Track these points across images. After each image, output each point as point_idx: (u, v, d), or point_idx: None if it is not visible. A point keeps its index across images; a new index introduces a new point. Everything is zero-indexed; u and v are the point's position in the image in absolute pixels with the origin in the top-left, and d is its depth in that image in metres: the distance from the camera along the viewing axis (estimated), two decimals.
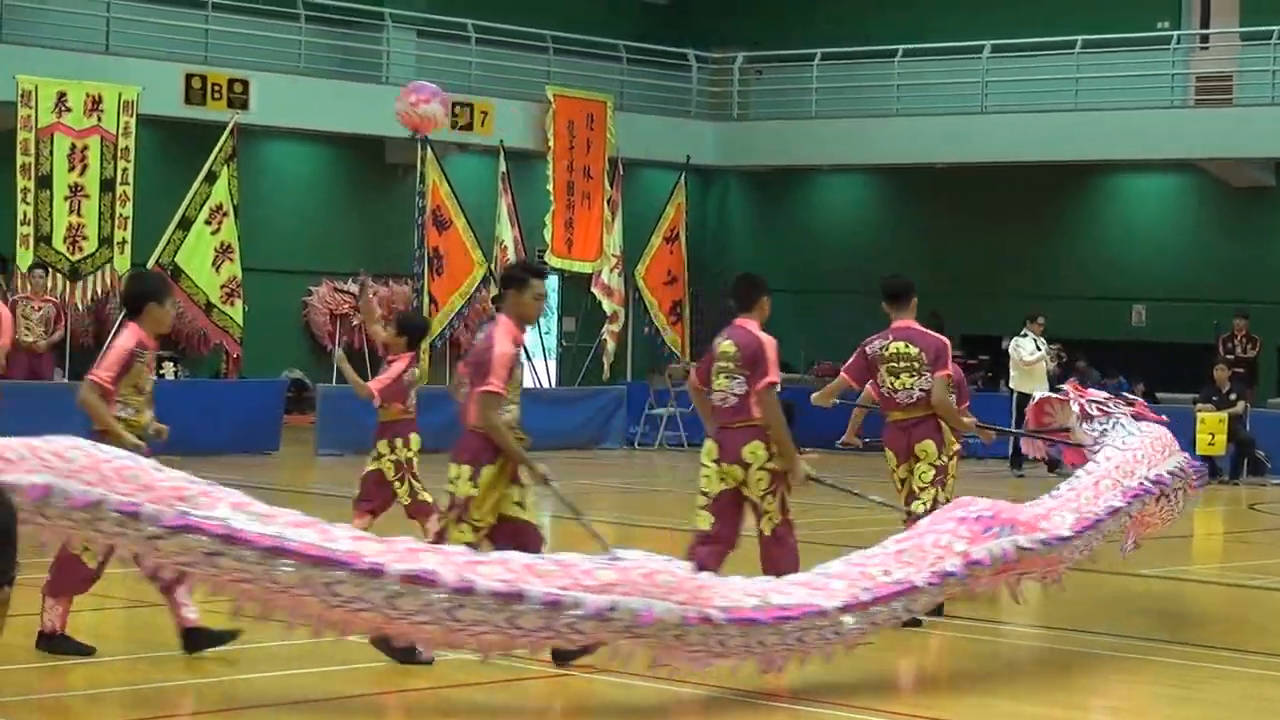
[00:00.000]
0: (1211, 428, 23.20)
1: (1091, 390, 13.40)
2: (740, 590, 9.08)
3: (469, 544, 9.55)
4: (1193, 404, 24.09)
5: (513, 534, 9.75)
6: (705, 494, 10.84)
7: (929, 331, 12.27)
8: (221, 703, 9.42)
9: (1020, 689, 10.15)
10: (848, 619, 9.27)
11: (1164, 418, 12.62)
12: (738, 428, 10.74)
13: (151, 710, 8.98)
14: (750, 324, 10.93)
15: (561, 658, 9.71)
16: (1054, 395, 13.19)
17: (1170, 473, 11.73)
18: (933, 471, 12.04)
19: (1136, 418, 12.53)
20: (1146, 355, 28.17)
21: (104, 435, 9.91)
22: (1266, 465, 24.18)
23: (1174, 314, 29.30)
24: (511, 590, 8.53)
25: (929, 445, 12.05)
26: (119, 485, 8.46)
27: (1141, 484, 11.42)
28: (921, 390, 12.05)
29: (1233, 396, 24.37)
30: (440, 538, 9.82)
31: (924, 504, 11.87)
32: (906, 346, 12.11)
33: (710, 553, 10.57)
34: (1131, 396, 13.74)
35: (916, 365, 12.06)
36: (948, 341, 12.37)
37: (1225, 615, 13.41)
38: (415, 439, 13.69)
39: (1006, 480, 22.08)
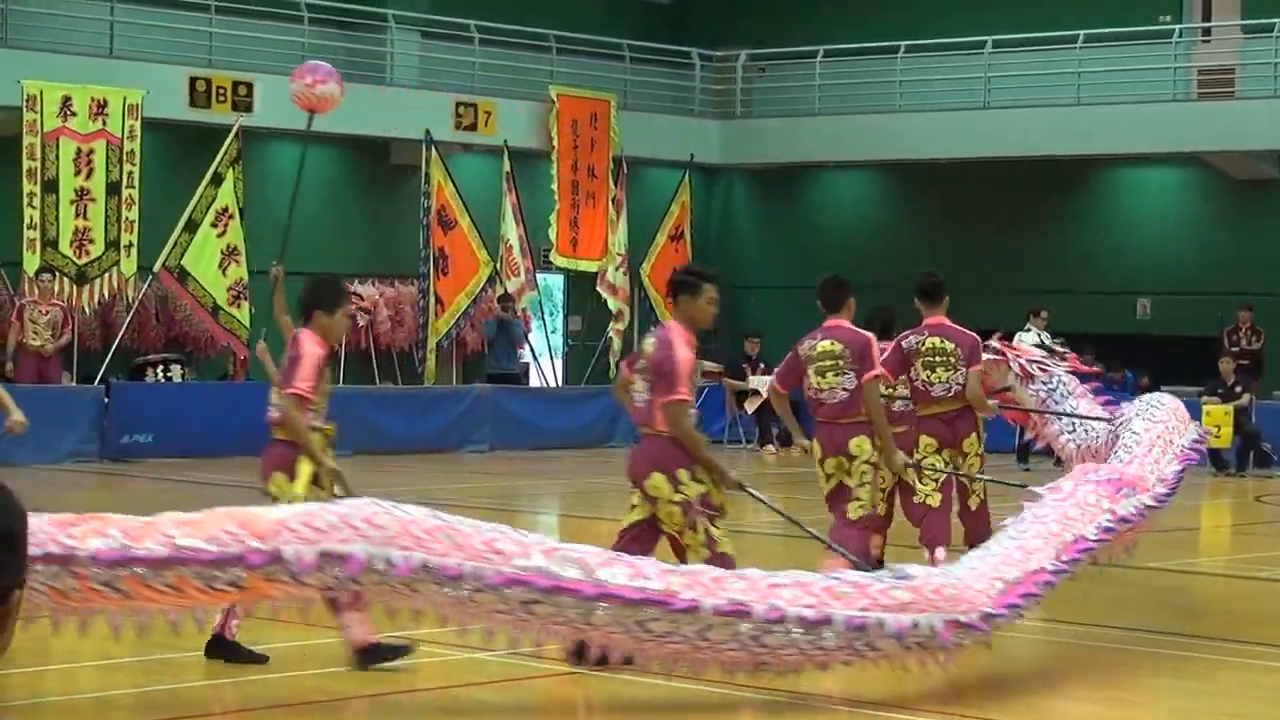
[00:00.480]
0: (1217, 420, 23.23)
1: (1029, 349, 13.75)
2: (987, 577, 9.37)
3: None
4: (1198, 397, 24.11)
5: (637, 536, 9.94)
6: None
7: (961, 328, 12.59)
8: (233, 704, 9.45)
9: (1027, 683, 10.18)
10: (1056, 575, 9.78)
11: (1097, 369, 13.14)
12: (844, 423, 11.62)
13: (161, 713, 8.99)
14: (844, 322, 11.79)
15: (577, 658, 9.72)
16: (987, 355, 13.36)
17: (1197, 438, 12.15)
18: (979, 461, 12.60)
19: (1073, 373, 13.18)
20: (1151, 348, 28.17)
21: (294, 447, 9.83)
22: (1272, 457, 24.21)
23: (1178, 307, 29.29)
24: (820, 616, 8.72)
25: (974, 439, 12.56)
26: (434, 546, 8.38)
27: (1184, 451, 11.87)
28: (958, 384, 12.45)
29: (1238, 389, 24.40)
30: (712, 545, 9.87)
31: (979, 496, 12.62)
32: (942, 342, 12.49)
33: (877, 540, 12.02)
34: (1063, 350, 14.17)
35: (952, 360, 12.44)
36: (979, 338, 12.68)
37: (1231, 607, 13.44)
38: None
39: (1012, 474, 22.06)
